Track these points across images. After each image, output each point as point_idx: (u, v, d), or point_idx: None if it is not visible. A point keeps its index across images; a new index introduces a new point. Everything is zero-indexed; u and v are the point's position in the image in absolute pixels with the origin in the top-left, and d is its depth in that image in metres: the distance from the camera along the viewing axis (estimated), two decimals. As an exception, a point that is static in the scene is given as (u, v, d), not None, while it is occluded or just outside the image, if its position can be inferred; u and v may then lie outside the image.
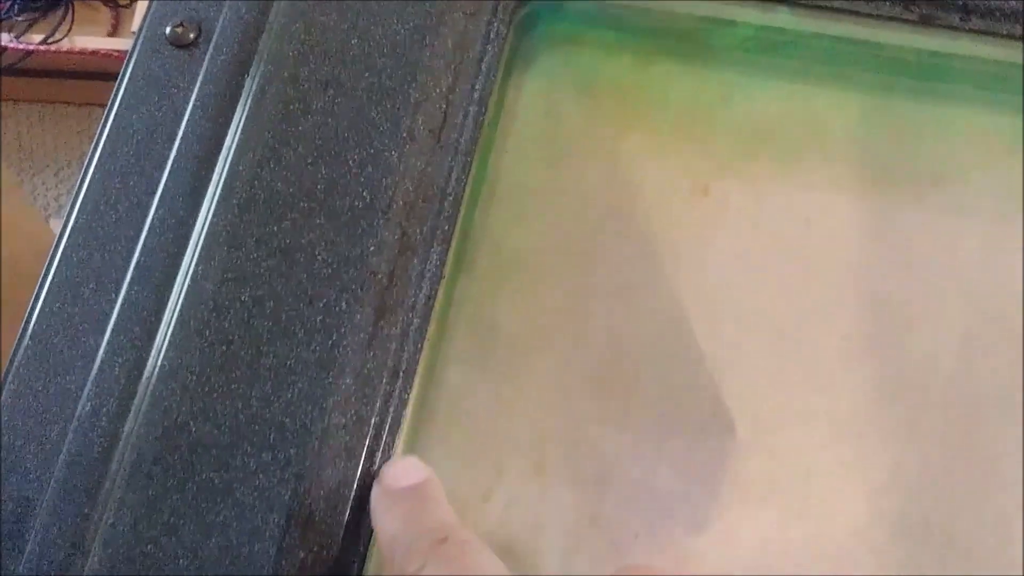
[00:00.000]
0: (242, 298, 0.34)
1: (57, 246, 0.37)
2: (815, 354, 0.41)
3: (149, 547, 0.32)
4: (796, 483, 0.40)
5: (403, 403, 0.36)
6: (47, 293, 0.36)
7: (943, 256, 0.42)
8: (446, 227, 0.37)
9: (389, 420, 0.35)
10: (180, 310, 0.34)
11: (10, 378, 0.35)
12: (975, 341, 0.41)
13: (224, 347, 0.34)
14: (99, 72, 1.41)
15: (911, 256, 0.43)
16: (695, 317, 0.41)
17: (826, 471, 0.40)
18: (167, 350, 0.34)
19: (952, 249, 0.43)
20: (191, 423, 0.33)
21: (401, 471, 0.33)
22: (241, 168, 0.36)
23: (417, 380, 0.37)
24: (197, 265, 0.35)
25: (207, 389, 0.33)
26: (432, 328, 0.38)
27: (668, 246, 0.42)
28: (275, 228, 0.35)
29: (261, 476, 0.32)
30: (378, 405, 0.34)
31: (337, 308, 0.34)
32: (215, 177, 0.36)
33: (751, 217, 0.43)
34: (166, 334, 0.34)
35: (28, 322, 0.36)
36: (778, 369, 0.41)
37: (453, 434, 0.40)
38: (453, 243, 0.39)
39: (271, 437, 0.33)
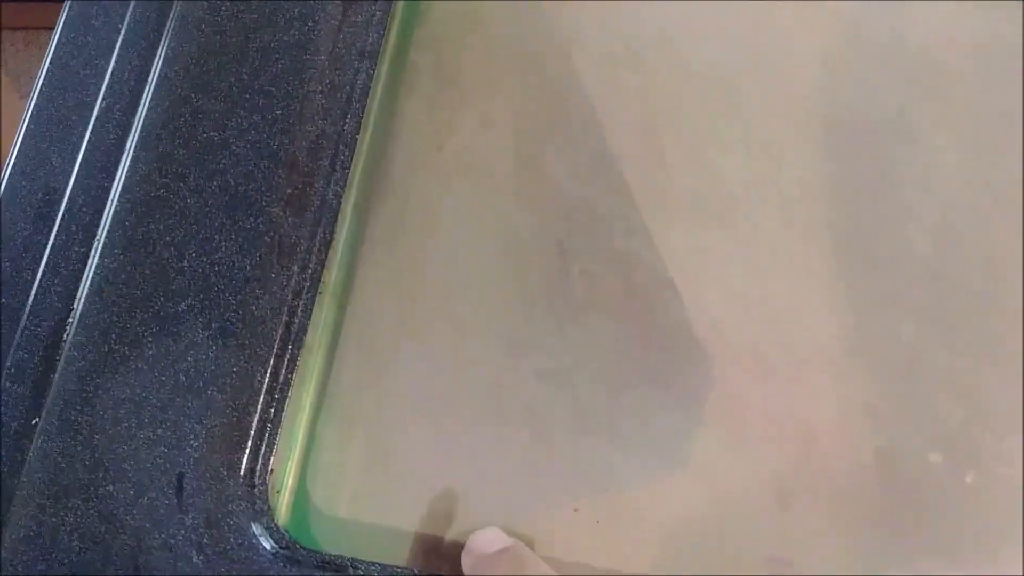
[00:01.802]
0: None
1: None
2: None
3: (162, 191, 0.37)
4: (720, 200, 0.46)
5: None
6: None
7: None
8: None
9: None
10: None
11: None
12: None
13: (219, 37, 0.40)
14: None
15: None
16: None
17: (746, 186, 0.47)
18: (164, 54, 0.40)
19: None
20: (192, 96, 0.39)
21: (488, 539, 0.37)
22: None
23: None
24: None
25: (205, 69, 0.39)
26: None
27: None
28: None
29: (253, 132, 0.38)
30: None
31: None
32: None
33: None
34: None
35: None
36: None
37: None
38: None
39: (260, 103, 0.39)
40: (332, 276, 0.38)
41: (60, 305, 0.35)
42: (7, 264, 0.35)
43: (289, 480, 0.37)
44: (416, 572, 0.32)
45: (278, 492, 0.34)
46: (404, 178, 0.44)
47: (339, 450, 0.42)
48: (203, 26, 0.40)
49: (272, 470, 0.34)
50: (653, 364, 0.44)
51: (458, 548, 0.40)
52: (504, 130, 0.46)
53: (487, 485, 0.42)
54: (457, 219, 0.45)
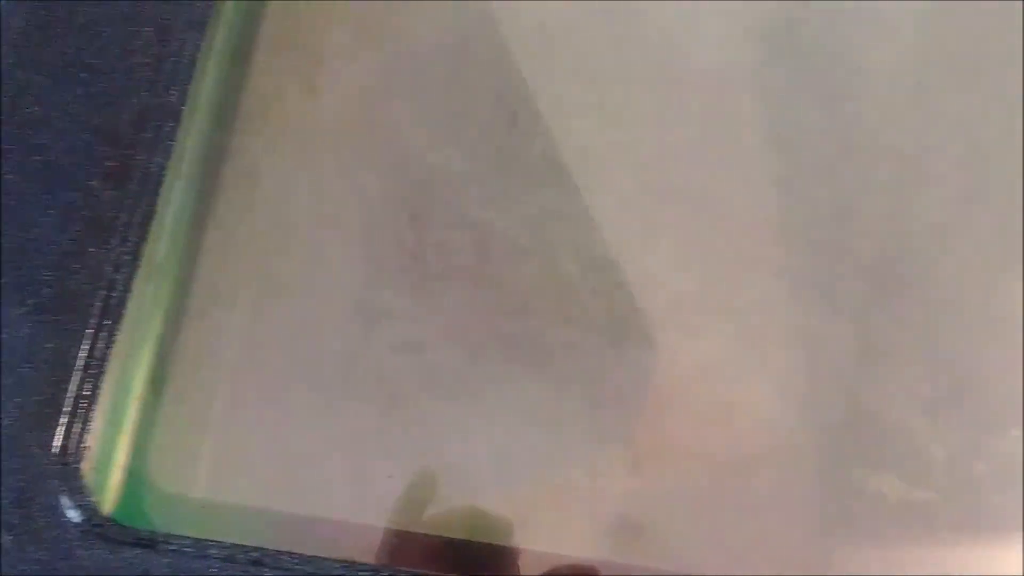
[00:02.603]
0: None
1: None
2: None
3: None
4: (576, 164, 0.46)
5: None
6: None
7: None
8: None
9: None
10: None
11: None
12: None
13: (43, 12, 0.39)
14: None
15: None
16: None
17: (601, 151, 0.46)
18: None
19: None
20: (17, 71, 0.38)
21: None
22: None
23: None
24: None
25: (30, 43, 0.39)
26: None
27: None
28: None
29: (75, 106, 0.38)
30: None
31: None
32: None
33: None
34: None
35: None
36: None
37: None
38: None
39: (84, 77, 0.38)
40: (160, 249, 0.37)
41: None
42: None
43: (121, 458, 0.37)
44: (237, 544, 0.32)
45: (98, 471, 0.34)
46: (248, 150, 0.44)
47: (186, 429, 0.41)
48: (28, 1, 0.39)
49: (88, 447, 0.33)
50: (508, 331, 0.43)
51: (309, 523, 0.40)
52: (353, 99, 0.46)
53: (339, 458, 0.42)
54: (305, 189, 0.45)
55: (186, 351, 0.42)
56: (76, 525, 0.32)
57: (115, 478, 0.36)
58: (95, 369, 0.34)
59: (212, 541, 0.33)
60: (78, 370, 0.34)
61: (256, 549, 0.34)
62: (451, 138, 0.46)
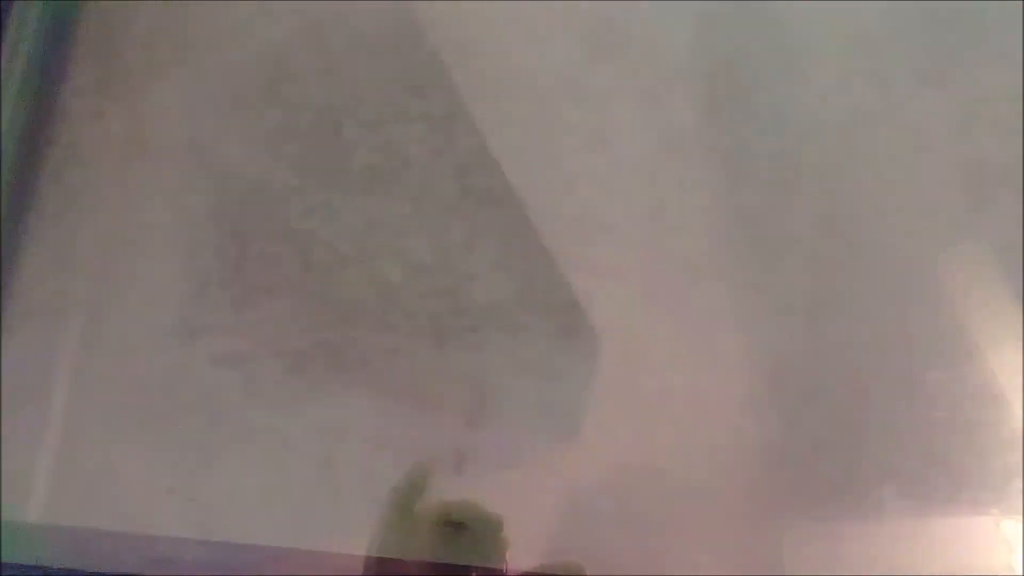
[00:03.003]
0: None
1: None
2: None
3: None
4: (398, 172, 0.47)
5: None
6: None
7: None
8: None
9: None
10: None
11: None
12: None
13: None
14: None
15: None
16: None
17: (423, 157, 0.47)
18: None
19: None
20: None
21: None
22: None
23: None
24: None
25: None
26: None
27: None
28: None
29: None
30: None
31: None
32: None
33: None
34: None
35: None
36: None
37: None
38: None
39: None
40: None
41: None
42: None
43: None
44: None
45: None
46: (69, 165, 0.44)
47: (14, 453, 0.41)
48: None
49: None
50: (332, 339, 0.44)
51: (134, 541, 0.40)
52: (174, 115, 0.46)
53: (163, 475, 0.42)
54: (126, 205, 0.45)
55: (7, 369, 0.42)
56: None
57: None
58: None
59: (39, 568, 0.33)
60: None
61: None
62: (272, 151, 0.46)
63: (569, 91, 0.47)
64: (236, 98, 0.46)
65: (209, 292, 0.44)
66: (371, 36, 0.48)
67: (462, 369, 0.43)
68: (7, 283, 0.39)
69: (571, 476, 0.42)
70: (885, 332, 0.42)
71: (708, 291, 0.43)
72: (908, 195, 0.44)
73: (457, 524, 0.40)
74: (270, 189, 0.45)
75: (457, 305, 0.44)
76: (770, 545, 0.40)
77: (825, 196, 0.44)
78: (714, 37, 0.48)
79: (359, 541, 0.40)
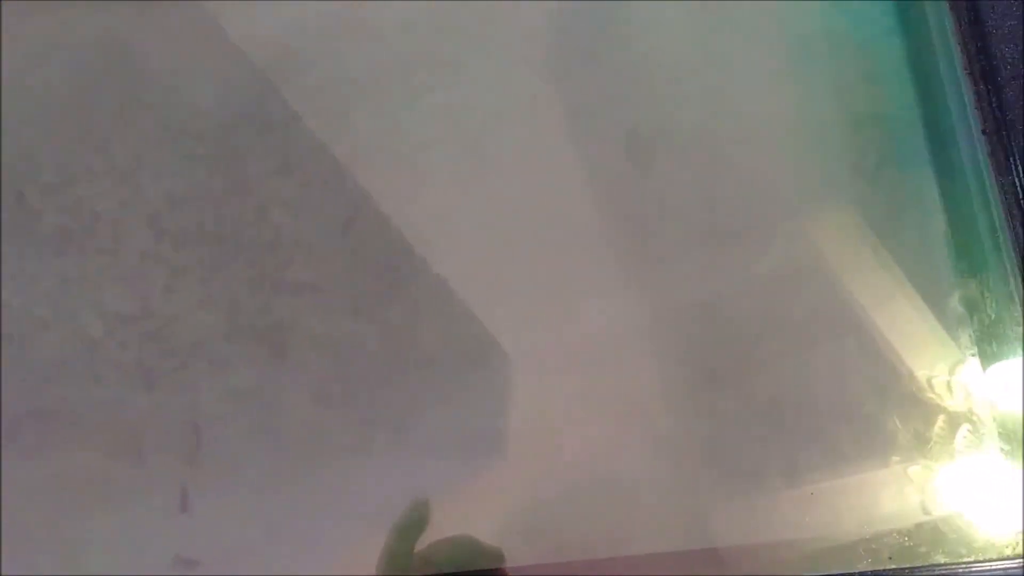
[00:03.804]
0: None
1: None
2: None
3: None
4: (86, 227, 0.47)
5: None
6: None
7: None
8: None
9: None
10: None
11: None
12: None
13: None
14: None
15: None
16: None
17: (114, 209, 0.47)
18: None
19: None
20: None
21: None
22: None
23: None
24: None
25: None
26: None
27: None
28: None
29: None
30: None
31: None
32: None
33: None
34: None
35: None
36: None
37: None
38: None
39: None
40: None
41: None
42: None
43: None
44: None
45: None
46: None
47: None
48: None
49: None
50: (41, 403, 0.44)
51: None
52: None
53: None
54: None
55: None
56: None
57: None
58: None
59: None
60: None
61: None
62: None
63: (253, 122, 0.49)
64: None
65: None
66: (45, 97, 0.49)
67: (174, 409, 0.44)
68: None
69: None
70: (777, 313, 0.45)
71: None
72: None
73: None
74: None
75: (163, 348, 0.45)
76: (698, 522, 0.42)
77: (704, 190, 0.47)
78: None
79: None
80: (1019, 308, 0.41)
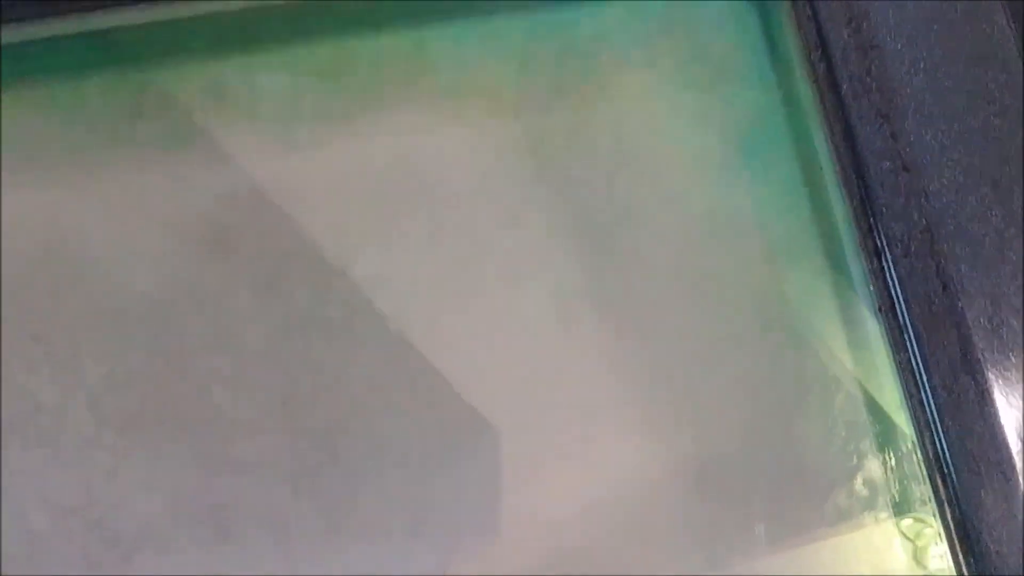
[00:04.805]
0: None
1: None
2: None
3: None
4: (29, 418, 0.48)
5: None
6: None
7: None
8: None
9: None
10: None
11: None
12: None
13: None
14: None
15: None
16: None
17: (55, 397, 0.48)
18: None
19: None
20: None
21: None
22: None
23: None
24: None
25: None
26: None
27: None
28: None
29: None
30: None
31: None
32: None
33: None
34: None
35: None
36: None
37: None
38: None
39: None
40: None
41: None
42: None
43: None
44: None
45: None
46: None
47: None
48: None
49: None
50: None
51: None
52: None
53: None
54: None
55: None
56: None
57: None
58: None
59: None
60: None
61: None
62: None
63: (187, 300, 0.50)
64: None
65: None
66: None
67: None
68: None
69: None
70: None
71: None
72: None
73: None
74: None
75: (106, 536, 0.45)
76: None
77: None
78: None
79: None
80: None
